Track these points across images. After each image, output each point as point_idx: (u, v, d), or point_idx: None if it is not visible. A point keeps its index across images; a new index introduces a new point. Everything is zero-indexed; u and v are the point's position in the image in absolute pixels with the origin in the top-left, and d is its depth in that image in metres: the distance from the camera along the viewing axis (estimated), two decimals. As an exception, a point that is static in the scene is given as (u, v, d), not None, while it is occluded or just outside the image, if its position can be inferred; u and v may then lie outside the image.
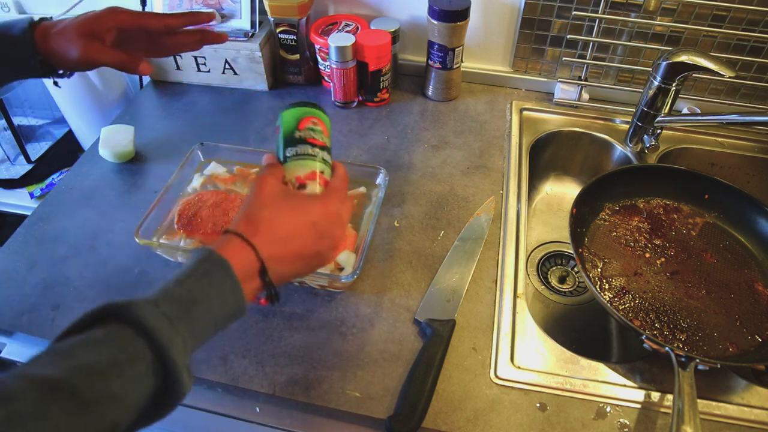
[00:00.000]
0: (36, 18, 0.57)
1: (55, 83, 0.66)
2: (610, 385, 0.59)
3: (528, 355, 0.62)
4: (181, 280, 0.39)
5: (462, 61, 0.94)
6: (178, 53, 0.63)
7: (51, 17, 0.59)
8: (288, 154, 0.53)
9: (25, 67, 0.57)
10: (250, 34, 0.93)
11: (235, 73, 0.98)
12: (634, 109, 0.84)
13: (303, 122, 0.54)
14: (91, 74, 0.97)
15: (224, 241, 0.43)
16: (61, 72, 0.61)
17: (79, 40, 0.56)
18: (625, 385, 0.59)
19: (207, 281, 0.40)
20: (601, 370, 0.61)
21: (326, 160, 0.54)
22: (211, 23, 0.62)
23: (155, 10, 0.95)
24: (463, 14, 0.85)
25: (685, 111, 0.93)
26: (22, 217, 0.77)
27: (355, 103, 0.96)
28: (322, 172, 0.53)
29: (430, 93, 0.97)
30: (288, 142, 0.53)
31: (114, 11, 0.59)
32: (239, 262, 0.41)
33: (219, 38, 0.68)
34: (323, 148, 0.55)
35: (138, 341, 0.35)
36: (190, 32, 0.67)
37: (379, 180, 0.75)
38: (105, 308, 0.36)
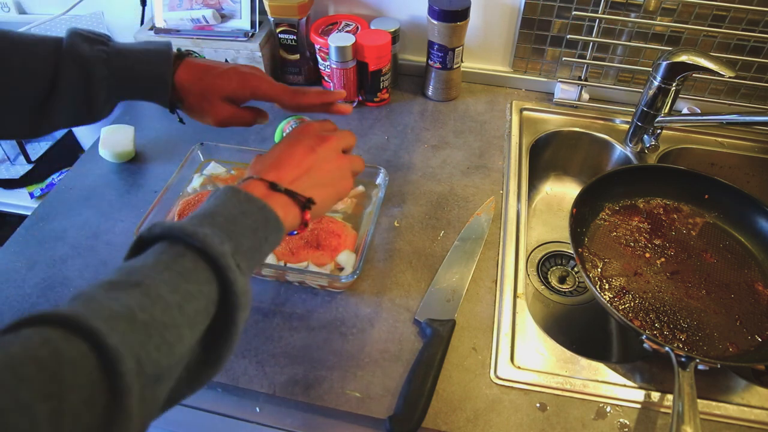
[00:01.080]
0: (181, 51, 0.56)
1: (180, 120, 0.64)
2: (610, 385, 0.59)
3: (528, 355, 0.62)
4: (211, 208, 0.41)
5: (462, 61, 0.94)
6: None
7: (192, 53, 0.57)
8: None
9: (159, 95, 0.55)
10: (250, 34, 0.93)
11: (235, 73, 0.98)
12: (634, 109, 0.84)
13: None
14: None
15: (237, 185, 0.46)
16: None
17: (219, 104, 0.56)
18: (625, 385, 0.59)
19: (236, 204, 0.42)
20: (601, 370, 0.61)
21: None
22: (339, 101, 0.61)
23: (155, 10, 0.95)
24: (463, 14, 0.85)
25: (685, 111, 0.93)
26: (22, 217, 0.78)
27: (355, 103, 0.96)
28: None
29: (430, 93, 0.97)
30: None
31: (255, 80, 0.57)
32: (254, 188, 0.45)
33: (343, 111, 0.63)
34: None
35: (194, 253, 0.37)
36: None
37: (379, 180, 0.75)
38: (160, 233, 0.38)
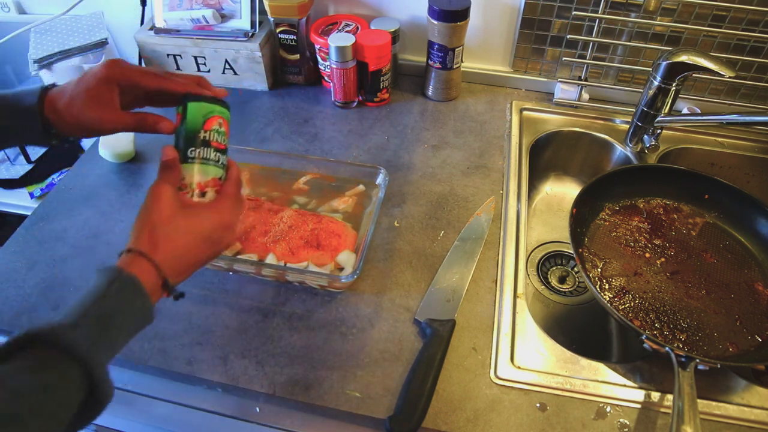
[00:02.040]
0: (45, 85, 0.54)
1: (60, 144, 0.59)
2: (610, 385, 0.59)
3: (528, 355, 0.62)
4: (97, 300, 0.42)
5: (462, 61, 0.94)
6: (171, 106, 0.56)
7: (54, 85, 0.54)
8: (191, 155, 0.52)
9: (33, 137, 0.54)
10: (250, 34, 0.93)
11: (235, 73, 0.98)
12: (634, 109, 0.84)
13: (210, 122, 0.53)
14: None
15: (130, 259, 0.46)
16: (71, 139, 0.58)
17: (91, 112, 0.52)
18: (625, 385, 0.59)
19: (122, 299, 0.43)
20: (601, 370, 0.61)
21: (225, 165, 0.55)
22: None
23: (155, 10, 0.95)
24: (463, 14, 0.85)
25: (685, 111, 0.93)
26: (22, 217, 0.77)
27: (355, 103, 0.96)
28: (220, 178, 0.54)
29: (430, 93, 0.97)
30: (192, 141, 0.52)
31: (111, 70, 0.52)
32: (146, 278, 0.45)
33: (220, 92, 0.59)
34: (224, 151, 0.55)
35: (66, 364, 0.38)
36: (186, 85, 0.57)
37: (379, 180, 0.75)
38: (29, 335, 0.38)
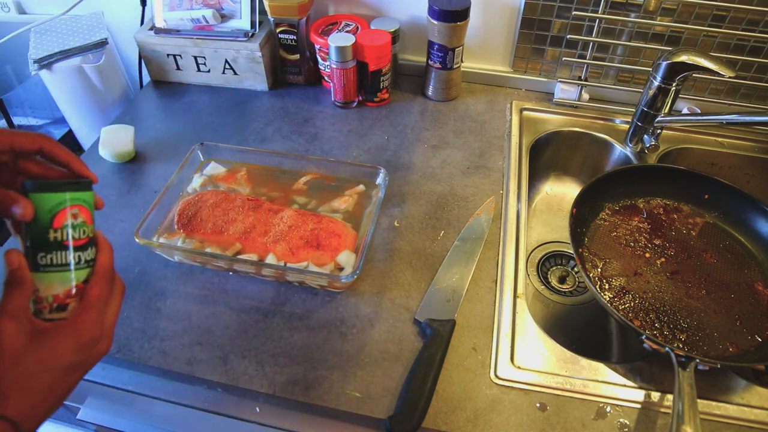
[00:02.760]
0: None
1: None
2: (610, 385, 0.59)
3: (528, 355, 0.62)
4: None
5: (462, 61, 0.94)
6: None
7: None
8: (41, 262, 0.41)
9: None
10: (250, 34, 0.93)
11: (235, 73, 0.98)
12: (634, 109, 0.84)
13: (59, 217, 0.42)
14: (91, 74, 0.97)
15: None
16: None
17: None
18: (625, 385, 0.59)
19: None
20: (601, 370, 0.61)
21: (89, 260, 0.44)
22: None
23: (155, 10, 0.95)
24: (463, 14, 0.85)
25: (685, 111, 0.93)
26: (22, 217, 0.77)
27: (355, 103, 0.96)
28: (84, 282, 0.43)
29: (430, 93, 0.97)
30: (40, 244, 0.41)
31: None
32: None
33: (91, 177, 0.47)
34: (86, 245, 0.44)
35: None
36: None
37: (379, 180, 0.75)
38: None
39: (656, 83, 0.77)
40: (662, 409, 0.58)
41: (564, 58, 0.93)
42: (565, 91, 0.95)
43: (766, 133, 0.90)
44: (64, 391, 0.41)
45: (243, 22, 0.94)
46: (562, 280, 0.87)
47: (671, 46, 0.87)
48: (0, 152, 0.43)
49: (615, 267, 0.71)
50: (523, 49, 0.95)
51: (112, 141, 0.84)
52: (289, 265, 0.66)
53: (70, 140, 1.17)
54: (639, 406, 0.58)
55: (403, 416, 0.55)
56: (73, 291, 0.43)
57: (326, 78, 0.98)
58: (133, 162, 0.86)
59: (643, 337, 0.58)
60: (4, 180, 0.44)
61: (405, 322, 0.65)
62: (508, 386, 0.59)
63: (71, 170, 0.46)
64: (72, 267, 0.43)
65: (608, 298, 0.68)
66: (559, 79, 0.95)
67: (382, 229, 0.75)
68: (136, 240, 0.65)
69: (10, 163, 0.44)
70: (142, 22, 1.02)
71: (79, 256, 0.43)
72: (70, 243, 0.43)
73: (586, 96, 0.95)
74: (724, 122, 0.86)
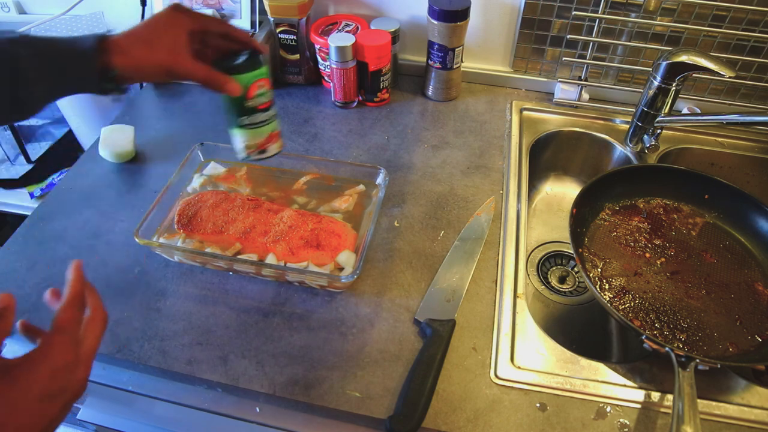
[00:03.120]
0: (102, 33, 0.52)
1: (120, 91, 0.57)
2: (610, 385, 0.59)
3: (528, 355, 0.62)
4: None
5: (462, 61, 0.94)
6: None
7: (110, 31, 0.53)
8: (242, 123, 0.60)
9: (88, 83, 0.51)
10: (250, 33, 0.93)
11: (235, 73, 0.98)
12: (634, 109, 0.84)
13: (252, 89, 0.58)
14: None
15: None
16: (123, 88, 0.55)
17: (165, 57, 0.52)
18: (625, 385, 0.59)
19: None
20: (601, 370, 0.61)
21: (275, 115, 0.62)
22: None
23: (155, 10, 0.95)
24: (463, 14, 0.85)
25: (685, 111, 0.93)
26: (22, 217, 0.77)
27: (355, 103, 0.96)
28: (274, 131, 0.63)
29: (430, 93, 0.97)
30: (240, 110, 0.59)
31: (183, 15, 0.54)
32: None
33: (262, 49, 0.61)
34: (270, 106, 0.61)
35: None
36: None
37: (379, 180, 0.75)
38: None
39: (656, 83, 0.77)
40: (662, 409, 0.58)
41: (564, 58, 0.93)
42: (565, 91, 0.95)
43: (766, 133, 0.90)
44: (45, 425, 0.39)
45: (243, 22, 0.94)
46: (562, 280, 0.87)
47: (671, 46, 0.87)
48: (216, 35, 0.56)
49: (615, 267, 0.71)
50: (523, 49, 0.95)
51: (112, 141, 0.84)
52: (289, 265, 0.66)
53: (70, 140, 1.17)
54: (639, 406, 0.58)
55: (403, 416, 0.55)
56: (268, 139, 0.62)
57: (326, 78, 0.98)
58: (133, 162, 0.86)
59: (643, 337, 0.58)
60: (207, 54, 0.57)
61: (405, 322, 0.65)
62: (508, 386, 0.59)
63: (250, 47, 0.58)
64: (264, 123, 0.61)
65: (608, 298, 0.68)
66: (559, 79, 0.95)
67: (382, 229, 0.75)
68: (136, 240, 0.65)
69: (211, 43, 0.57)
70: (142, 22, 1.02)
71: (268, 115, 0.61)
72: (262, 107, 0.59)
73: (586, 96, 0.95)
74: (724, 122, 0.86)
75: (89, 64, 0.50)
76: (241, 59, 0.57)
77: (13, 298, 0.42)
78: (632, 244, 0.74)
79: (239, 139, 0.62)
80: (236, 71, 0.56)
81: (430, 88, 0.97)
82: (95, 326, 0.45)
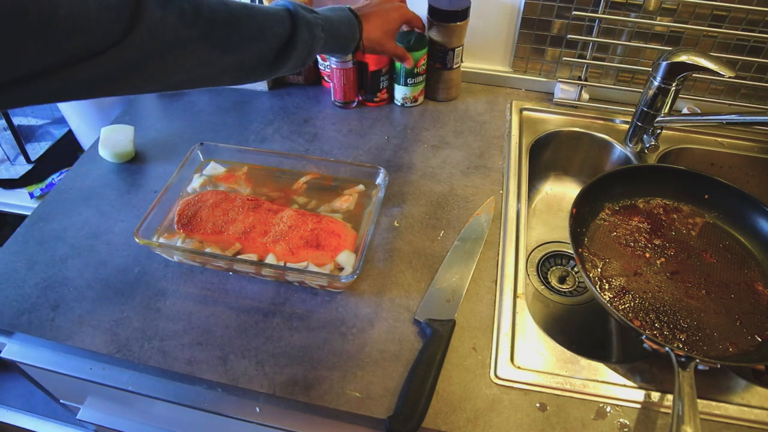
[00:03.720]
0: (351, 8, 0.69)
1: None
2: (610, 385, 0.59)
3: (528, 355, 0.62)
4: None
5: (462, 61, 0.94)
6: None
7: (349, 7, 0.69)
8: (408, 83, 0.91)
9: (351, 46, 0.68)
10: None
11: (235, 73, 0.98)
12: (634, 109, 0.84)
13: (420, 61, 0.88)
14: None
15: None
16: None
17: (388, 42, 0.72)
18: (625, 385, 0.59)
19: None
20: (601, 370, 0.61)
21: (424, 77, 0.93)
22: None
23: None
24: (462, 14, 0.85)
25: (685, 111, 0.93)
26: (22, 217, 0.77)
27: (355, 103, 0.96)
28: (423, 88, 0.94)
29: (429, 93, 0.97)
30: (409, 74, 0.89)
31: (404, 8, 0.74)
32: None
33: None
34: (425, 72, 0.92)
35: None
36: None
37: (379, 180, 0.75)
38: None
39: (656, 83, 0.77)
40: (662, 409, 0.58)
41: (564, 58, 0.93)
42: (565, 91, 0.95)
43: (766, 133, 0.90)
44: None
45: (243, 22, 0.94)
46: (562, 280, 0.87)
47: (671, 46, 0.87)
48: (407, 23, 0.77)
49: (615, 267, 0.71)
50: (523, 49, 0.95)
51: (112, 141, 0.84)
52: (289, 265, 0.66)
53: (70, 140, 1.17)
54: (639, 406, 0.58)
55: (403, 416, 0.55)
56: (419, 93, 0.94)
57: (326, 78, 0.98)
58: (133, 162, 0.86)
59: (643, 337, 0.58)
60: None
61: (405, 322, 0.65)
62: (508, 386, 0.59)
63: (422, 31, 0.85)
64: (421, 83, 0.93)
65: (608, 298, 0.68)
66: (559, 79, 0.95)
67: (382, 229, 0.75)
68: (136, 240, 0.65)
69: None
70: (142, 22, 1.02)
71: (423, 78, 0.92)
72: (423, 72, 0.91)
73: (586, 96, 0.95)
74: (724, 122, 0.86)
75: (358, 42, 0.69)
76: (414, 39, 0.85)
77: None
78: (632, 244, 0.74)
79: (402, 92, 0.92)
80: (413, 49, 0.84)
81: (430, 88, 0.97)
82: None
